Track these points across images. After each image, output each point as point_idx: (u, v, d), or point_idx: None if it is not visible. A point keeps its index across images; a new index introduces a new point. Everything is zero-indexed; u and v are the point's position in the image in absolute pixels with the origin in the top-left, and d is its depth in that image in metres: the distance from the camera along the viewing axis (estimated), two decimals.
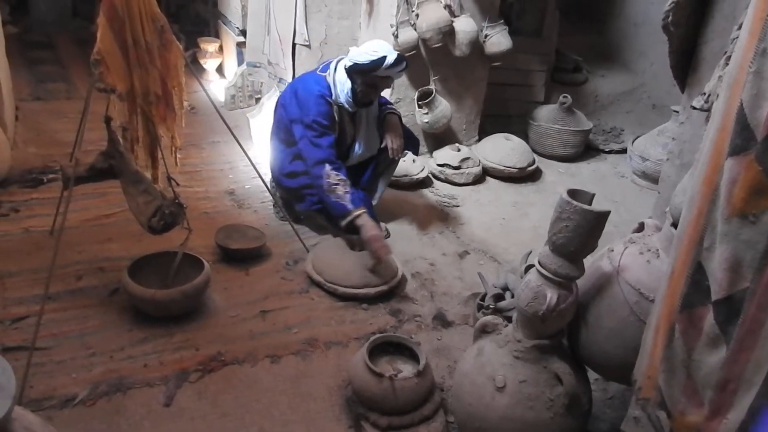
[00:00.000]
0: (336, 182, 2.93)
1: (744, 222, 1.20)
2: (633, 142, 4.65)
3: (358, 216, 2.88)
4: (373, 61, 2.88)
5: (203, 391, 2.18)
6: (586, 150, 4.99)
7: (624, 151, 4.98)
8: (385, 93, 4.01)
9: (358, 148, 3.22)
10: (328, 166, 2.94)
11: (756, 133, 1.17)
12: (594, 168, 4.83)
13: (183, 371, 2.26)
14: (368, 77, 2.95)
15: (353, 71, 2.95)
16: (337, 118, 3.07)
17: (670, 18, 1.69)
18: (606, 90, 5.57)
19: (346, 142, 3.19)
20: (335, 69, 3.06)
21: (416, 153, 3.49)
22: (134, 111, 2.33)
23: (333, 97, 3.04)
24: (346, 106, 3.05)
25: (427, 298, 2.89)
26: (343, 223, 2.93)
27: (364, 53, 2.92)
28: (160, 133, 2.38)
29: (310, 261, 2.92)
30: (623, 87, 5.63)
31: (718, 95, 1.38)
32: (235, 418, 2.10)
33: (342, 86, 3.01)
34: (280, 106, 3.21)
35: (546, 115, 4.78)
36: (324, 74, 3.09)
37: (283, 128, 3.17)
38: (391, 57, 2.90)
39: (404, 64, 2.98)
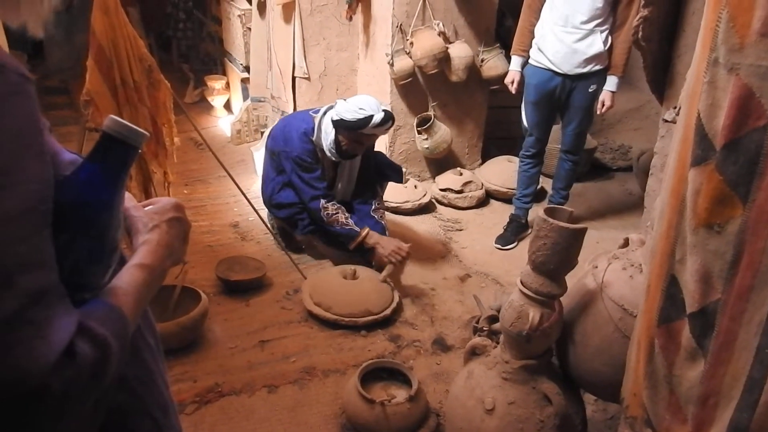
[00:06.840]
0: (334, 212, 3.07)
1: (710, 232, 1.19)
2: (639, 158, 4.60)
3: (366, 234, 3.06)
4: (359, 120, 2.90)
5: (199, 423, 2.18)
6: (592, 169, 4.95)
7: (632, 168, 4.94)
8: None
9: (335, 194, 3.27)
10: (322, 200, 3.07)
11: (714, 142, 1.17)
12: (601, 187, 4.79)
13: (179, 404, 2.26)
14: (353, 134, 2.98)
15: (339, 126, 2.97)
16: (320, 155, 3.13)
17: (640, 33, 1.69)
18: (612, 108, 5.53)
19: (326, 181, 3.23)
20: (324, 113, 3.09)
21: (400, 181, 3.51)
22: None
23: (315, 138, 3.08)
24: (328, 154, 3.10)
25: (427, 323, 2.87)
26: (353, 245, 3.09)
27: (351, 110, 2.92)
28: (152, 169, 2.44)
29: (307, 292, 2.91)
30: (630, 104, 5.58)
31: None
32: None
33: (326, 135, 3.05)
34: (271, 137, 3.27)
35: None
36: (314, 115, 3.13)
37: (272, 157, 3.23)
38: (378, 116, 2.90)
39: (391, 122, 3.00)
